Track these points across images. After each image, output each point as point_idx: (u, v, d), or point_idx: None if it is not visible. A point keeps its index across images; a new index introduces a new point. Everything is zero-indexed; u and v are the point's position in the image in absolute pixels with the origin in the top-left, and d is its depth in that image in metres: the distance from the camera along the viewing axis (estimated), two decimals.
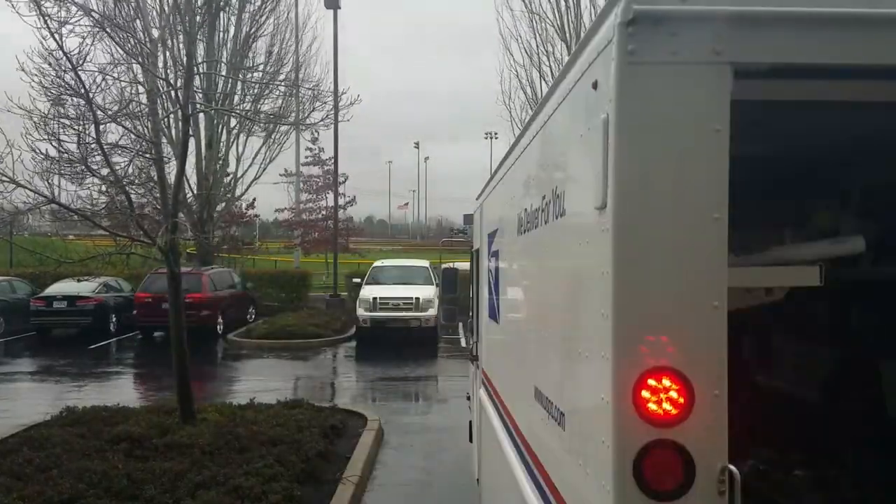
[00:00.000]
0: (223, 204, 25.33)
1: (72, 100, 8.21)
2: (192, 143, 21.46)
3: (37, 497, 6.27)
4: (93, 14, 8.11)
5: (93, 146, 8.05)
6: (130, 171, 8.77)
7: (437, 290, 20.14)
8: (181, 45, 18.98)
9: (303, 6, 33.31)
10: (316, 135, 31.03)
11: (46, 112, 8.17)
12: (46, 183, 8.02)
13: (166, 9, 19.17)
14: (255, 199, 27.54)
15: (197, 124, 22.14)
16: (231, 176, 24.56)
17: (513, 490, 3.37)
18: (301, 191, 33.80)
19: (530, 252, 3.23)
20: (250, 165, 24.72)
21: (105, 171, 8.34)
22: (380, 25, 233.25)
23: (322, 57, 28.49)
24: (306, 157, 34.54)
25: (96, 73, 8.05)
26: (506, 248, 4.24)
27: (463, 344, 19.45)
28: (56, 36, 7.67)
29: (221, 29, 22.85)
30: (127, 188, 8.61)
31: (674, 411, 1.83)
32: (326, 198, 32.44)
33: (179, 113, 10.46)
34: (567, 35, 24.37)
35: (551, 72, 24.64)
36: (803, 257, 2.61)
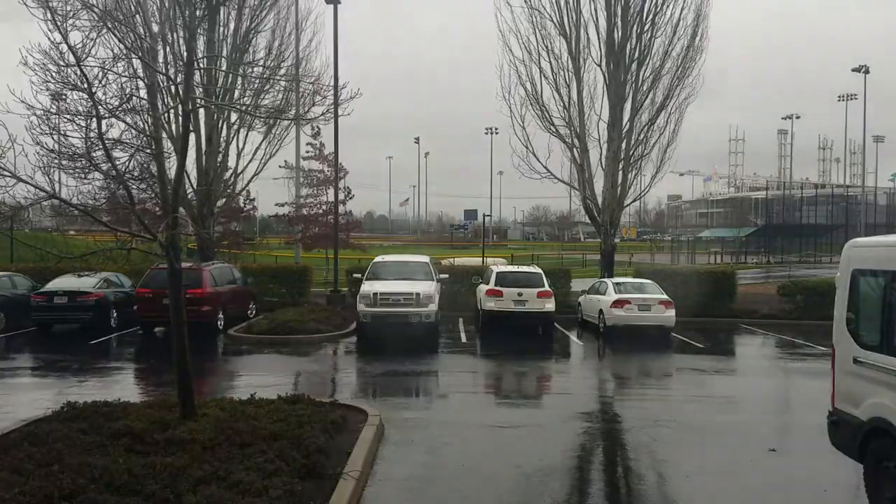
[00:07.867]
0: (223, 200, 25.29)
1: (72, 94, 8.20)
2: (192, 138, 21.46)
3: (38, 492, 6.28)
4: (94, 10, 8.09)
5: (94, 140, 8.05)
6: (131, 166, 8.76)
7: (438, 285, 20.11)
8: (181, 40, 19.01)
9: (303, 1, 33.12)
10: (317, 129, 31.00)
11: (48, 107, 8.16)
12: (47, 178, 8.01)
13: (166, 3, 19.29)
14: (250, 193, 27.54)
15: (197, 119, 22.09)
16: (231, 171, 24.52)
17: None
18: (301, 185, 33.80)
19: None
20: (251, 161, 24.67)
21: (106, 167, 8.33)
22: (380, 21, 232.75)
23: (322, 52, 28.36)
24: (307, 152, 34.58)
25: (97, 69, 8.03)
26: None
27: (463, 339, 19.44)
28: (62, 29, 7.65)
29: (222, 24, 22.82)
30: (128, 183, 8.60)
31: None
32: (327, 193, 32.45)
33: (179, 108, 10.45)
34: (566, 31, 24.30)
35: (551, 68, 24.58)
36: None
